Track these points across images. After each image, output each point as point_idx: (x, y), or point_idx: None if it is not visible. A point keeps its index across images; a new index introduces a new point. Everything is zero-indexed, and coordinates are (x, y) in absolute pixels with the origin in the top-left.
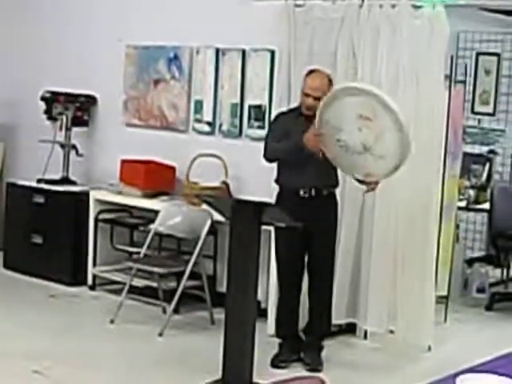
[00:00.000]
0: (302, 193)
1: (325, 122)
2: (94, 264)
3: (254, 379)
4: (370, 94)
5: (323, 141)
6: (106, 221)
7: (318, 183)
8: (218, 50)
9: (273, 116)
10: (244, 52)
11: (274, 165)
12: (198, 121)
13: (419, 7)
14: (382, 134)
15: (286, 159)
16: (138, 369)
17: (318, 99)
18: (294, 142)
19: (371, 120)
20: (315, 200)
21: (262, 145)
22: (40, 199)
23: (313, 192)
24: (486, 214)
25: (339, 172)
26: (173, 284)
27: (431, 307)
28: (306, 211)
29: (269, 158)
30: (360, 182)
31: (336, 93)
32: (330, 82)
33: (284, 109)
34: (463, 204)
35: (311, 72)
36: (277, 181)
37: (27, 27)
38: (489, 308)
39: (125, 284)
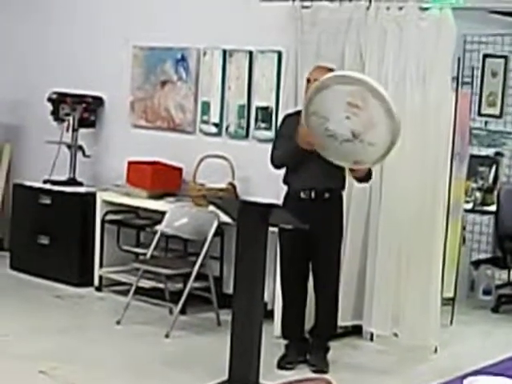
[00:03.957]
0: (302, 194)
1: (311, 113)
2: (101, 265)
3: (261, 380)
4: (360, 83)
5: (311, 132)
6: (112, 222)
7: (318, 186)
8: (225, 52)
9: (280, 117)
10: (251, 53)
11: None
12: (205, 122)
13: (426, 9)
14: (372, 122)
15: (292, 161)
16: (144, 370)
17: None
18: (292, 145)
19: (360, 108)
20: (316, 203)
21: (268, 146)
22: (46, 200)
23: (313, 194)
24: (492, 216)
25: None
26: (179, 285)
27: (437, 309)
28: (308, 213)
29: (275, 165)
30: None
31: (325, 81)
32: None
33: (291, 110)
34: (470, 206)
35: (314, 68)
36: (284, 181)
37: (34, 28)
38: (495, 310)
39: (131, 285)
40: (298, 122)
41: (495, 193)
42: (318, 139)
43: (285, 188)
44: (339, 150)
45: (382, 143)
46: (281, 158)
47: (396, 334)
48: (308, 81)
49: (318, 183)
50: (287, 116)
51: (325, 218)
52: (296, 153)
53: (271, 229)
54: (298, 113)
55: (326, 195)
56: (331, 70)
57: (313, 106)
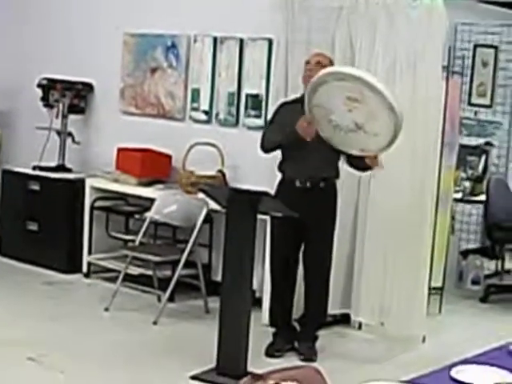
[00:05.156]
0: (297, 183)
1: (314, 105)
2: (89, 252)
3: (249, 368)
4: (358, 80)
5: (316, 122)
6: (101, 208)
7: (314, 175)
8: (215, 39)
9: (276, 104)
10: (242, 41)
11: (274, 153)
12: (195, 109)
13: None
14: (373, 114)
15: (284, 147)
16: (131, 357)
17: (318, 63)
18: (288, 131)
19: (360, 102)
20: (311, 191)
21: (258, 134)
22: (36, 186)
23: (308, 184)
24: (481, 206)
25: (340, 164)
26: (168, 272)
27: (424, 299)
28: (302, 202)
29: (264, 149)
30: (360, 168)
31: (323, 77)
32: (331, 63)
33: (288, 98)
34: (459, 196)
35: (316, 53)
36: (279, 168)
37: (25, 15)
38: (484, 300)
39: (120, 272)
40: (294, 110)
41: (484, 182)
42: (323, 129)
43: (279, 175)
44: (345, 139)
45: (386, 133)
46: (271, 142)
47: (383, 323)
48: (307, 62)
49: (313, 172)
50: (283, 104)
51: (319, 206)
52: (291, 138)
53: (260, 216)
54: (295, 101)
55: (321, 184)
56: (330, 59)
57: (314, 99)
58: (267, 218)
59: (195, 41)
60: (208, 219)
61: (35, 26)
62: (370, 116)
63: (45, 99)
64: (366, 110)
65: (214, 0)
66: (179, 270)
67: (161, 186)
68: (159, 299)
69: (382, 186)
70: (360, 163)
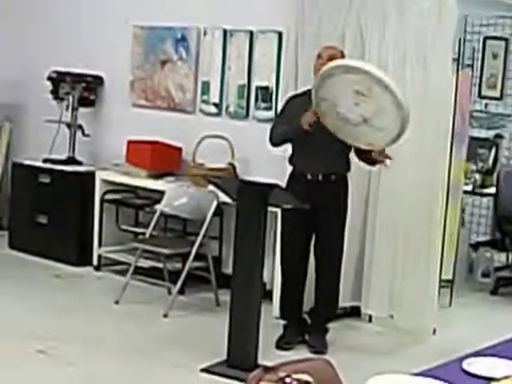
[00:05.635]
0: (309, 176)
1: (322, 98)
2: (100, 244)
3: (259, 361)
4: (366, 74)
5: (323, 115)
6: (111, 201)
7: (325, 169)
8: (225, 31)
9: (285, 97)
10: (252, 33)
11: (284, 146)
12: (205, 102)
13: None
14: (380, 109)
15: (293, 141)
16: (142, 350)
17: (331, 58)
18: (295, 124)
19: (367, 96)
20: (322, 184)
21: (268, 126)
22: (46, 179)
23: (320, 177)
24: (491, 199)
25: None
26: (178, 265)
27: (434, 291)
28: (313, 194)
29: (273, 143)
30: (369, 162)
31: (331, 70)
32: (343, 56)
33: (297, 91)
34: (469, 188)
35: (327, 46)
36: (290, 161)
37: (34, 7)
38: (494, 292)
39: (130, 265)
40: (303, 103)
41: (495, 175)
42: (331, 122)
43: (289, 168)
44: (352, 133)
45: (391, 129)
46: (280, 135)
47: (392, 316)
48: (319, 56)
49: (324, 168)
50: (292, 97)
51: (330, 198)
52: (296, 132)
53: (270, 209)
54: (303, 94)
55: (333, 177)
56: (342, 52)
57: (321, 93)
58: (278, 210)
59: (205, 33)
60: (218, 212)
61: (44, 18)
62: (377, 110)
63: (55, 92)
64: (374, 105)
65: None
66: (189, 263)
67: (171, 178)
68: (169, 292)
69: (392, 179)
70: (368, 156)
